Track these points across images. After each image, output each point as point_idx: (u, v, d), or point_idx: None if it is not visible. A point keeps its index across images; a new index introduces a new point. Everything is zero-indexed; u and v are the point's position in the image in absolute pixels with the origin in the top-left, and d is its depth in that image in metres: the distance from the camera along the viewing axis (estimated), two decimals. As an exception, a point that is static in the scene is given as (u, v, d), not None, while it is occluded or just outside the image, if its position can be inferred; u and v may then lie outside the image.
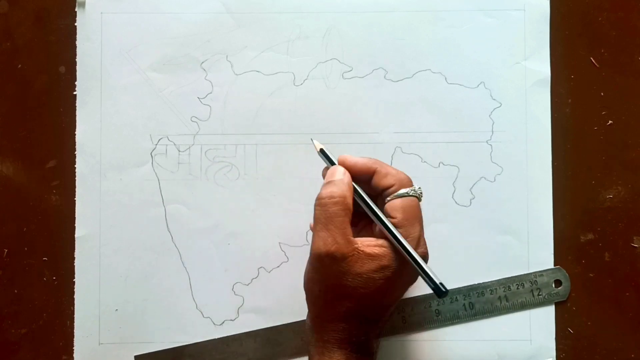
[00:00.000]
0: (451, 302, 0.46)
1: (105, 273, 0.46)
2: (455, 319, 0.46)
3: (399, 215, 0.38)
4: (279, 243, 0.46)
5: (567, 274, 0.46)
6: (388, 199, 0.39)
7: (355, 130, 0.46)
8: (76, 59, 0.46)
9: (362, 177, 0.40)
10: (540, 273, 0.46)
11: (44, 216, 0.46)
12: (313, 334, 0.40)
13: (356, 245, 0.38)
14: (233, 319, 0.46)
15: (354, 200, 0.39)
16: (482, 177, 0.46)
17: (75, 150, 0.46)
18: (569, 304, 0.46)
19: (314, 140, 0.42)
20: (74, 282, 0.46)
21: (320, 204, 0.39)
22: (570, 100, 0.47)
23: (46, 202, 0.46)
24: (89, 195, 0.46)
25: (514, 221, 0.46)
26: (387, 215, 0.38)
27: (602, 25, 0.47)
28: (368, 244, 0.38)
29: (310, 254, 0.39)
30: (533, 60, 0.47)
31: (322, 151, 0.41)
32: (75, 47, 0.46)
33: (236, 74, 0.47)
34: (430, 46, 0.47)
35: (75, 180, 0.46)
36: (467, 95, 0.47)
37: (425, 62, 0.47)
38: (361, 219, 0.41)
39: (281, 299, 0.46)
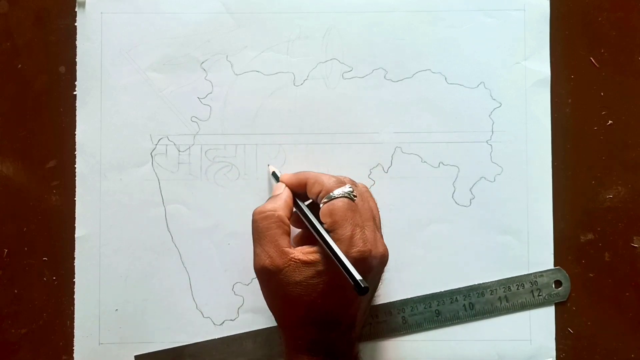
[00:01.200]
0: (451, 302, 0.46)
1: (105, 273, 0.46)
2: (455, 319, 0.46)
3: (328, 220, 0.38)
4: (279, 243, 0.46)
5: (567, 275, 0.46)
6: (321, 205, 0.39)
7: (355, 130, 0.46)
8: (76, 59, 0.46)
9: (301, 191, 0.41)
10: (541, 273, 0.46)
11: (44, 216, 0.46)
12: (284, 346, 0.41)
13: (291, 256, 0.38)
14: (233, 319, 0.46)
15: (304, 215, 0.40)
16: (482, 177, 0.46)
17: (75, 150, 0.46)
18: (569, 304, 0.46)
19: (269, 165, 0.45)
20: (74, 282, 0.46)
21: (253, 220, 0.40)
22: (570, 100, 0.47)
23: (46, 202, 0.46)
24: (89, 195, 0.46)
25: (514, 221, 0.46)
26: (321, 222, 0.39)
27: (602, 25, 0.47)
28: (306, 252, 0.38)
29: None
30: (533, 60, 0.47)
31: (273, 174, 0.45)
32: (75, 47, 0.46)
33: (236, 74, 0.47)
34: (430, 46, 0.47)
35: (75, 180, 0.46)
36: (467, 95, 0.47)
37: (425, 62, 0.47)
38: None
39: (281, 299, 0.46)
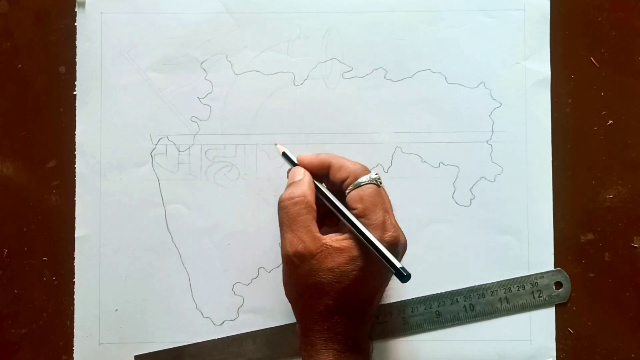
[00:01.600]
0: (452, 303, 0.46)
1: (105, 273, 0.46)
2: (455, 320, 0.46)
3: (359, 206, 0.38)
4: (279, 243, 0.46)
5: (567, 276, 0.46)
6: (347, 191, 0.39)
7: (355, 130, 0.46)
8: (76, 59, 0.46)
9: (322, 174, 0.41)
10: (541, 275, 0.46)
11: (44, 216, 0.46)
12: (301, 338, 0.40)
13: (324, 241, 0.38)
14: (233, 319, 0.46)
15: (320, 201, 0.40)
16: (482, 177, 0.46)
17: (75, 150, 0.46)
18: (569, 304, 0.46)
19: (277, 145, 0.43)
20: (74, 282, 0.46)
21: (282, 206, 0.39)
22: (570, 100, 0.47)
23: (46, 202, 0.46)
24: (89, 195, 0.46)
25: (514, 221, 0.46)
26: (349, 208, 0.39)
27: (602, 25, 0.47)
28: (336, 239, 0.38)
29: (281, 258, 0.39)
30: (533, 60, 0.47)
31: (284, 154, 0.42)
32: (75, 47, 0.46)
33: (236, 74, 0.47)
34: (430, 46, 0.47)
35: (75, 180, 0.46)
36: (467, 95, 0.47)
37: (425, 62, 0.47)
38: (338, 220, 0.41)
39: (281, 299, 0.46)
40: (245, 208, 0.46)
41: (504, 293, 0.46)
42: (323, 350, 0.38)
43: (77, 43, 0.46)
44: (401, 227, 0.39)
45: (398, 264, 0.36)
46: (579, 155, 0.47)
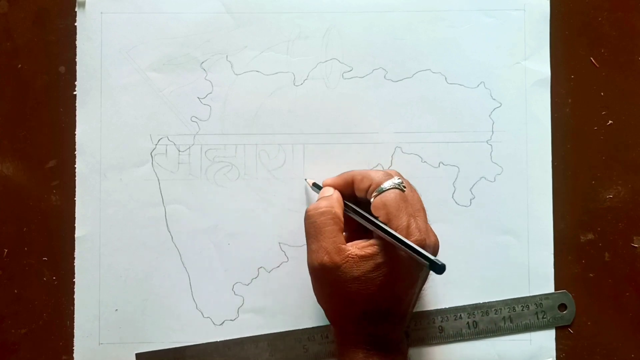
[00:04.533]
0: (455, 319, 0.45)
1: (105, 273, 0.46)
2: (458, 336, 0.45)
3: (382, 212, 0.38)
4: (279, 243, 0.46)
5: (572, 299, 0.46)
6: (371, 199, 0.39)
7: (355, 130, 0.46)
8: (76, 59, 0.46)
9: (349, 191, 0.41)
10: (546, 296, 0.46)
11: (44, 216, 0.46)
12: (337, 345, 0.41)
13: (348, 252, 0.38)
14: (233, 319, 0.46)
15: (350, 217, 0.40)
16: (482, 177, 0.46)
17: (75, 150, 0.46)
18: (569, 304, 0.46)
19: (306, 180, 0.45)
20: (74, 282, 0.46)
21: (308, 216, 0.40)
22: (570, 100, 0.47)
23: (46, 202, 0.46)
24: (89, 195, 0.46)
25: (514, 221, 0.46)
26: (374, 216, 0.39)
27: (602, 25, 0.47)
28: (361, 246, 0.38)
29: (308, 269, 0.40)
30: (533, 60, 0.47)
31: (314, 184, 0.44)
32: (75, 47, 0.46)
33: (236, 74, 0.47)
34: (430, 46, 0.47)
35: (75, 180, 0.46)
36: (467, 95, 0.47)
37: (425, 62, 0.47)
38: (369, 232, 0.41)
39: (281, 299, 0.46)
40: (245, 208, 0.46)
41: (508, 312, 0.45)
42: (356, 350, 0.39)
43: (77, 43, 0.46)
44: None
45: (431, 256, 0.36)
46: (579, 155, 0.47)
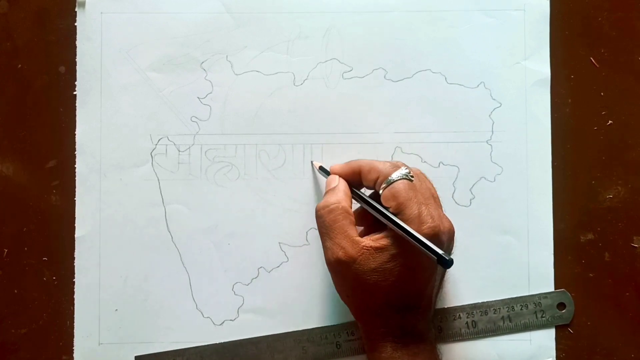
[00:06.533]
0: (454, 319, 0.45)
1: (105, 273, 0.46)
2: (457, 336, 0.45)
3: (392, 203, 0.38)
4: (279, 243, 0.46)
5: (571, 298, 0.46)
6: (380, 191, 0.39)
7: (355, 130, 0.46)
8: (76, 59, 0.46)
9: (356, 181, 0.41)
10: (545, 295, 0.46)
11: (44, 216, 0.46)
12: (364, 340, 0.41)
13: (363, 244, 0.38)
14: (233, 319, 0.46)
15: (365, 212, 0.40)
16: (482, 177, 0.46)
17: (75, 150, 0.46)
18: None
19: (312, 162, 0.45)
20: (74, 282, 0.46)
21: (318, 215, 0.40)
22: (570, 100, 0.47)
23: (46, 202, 0.46)
24: (88, 195, 0.46)
25: (514, 221, 0.46)
26: (385, 207, 0.39)
27: (602, 25, 0.47)
28: (375, 238, 0.39)
29: (326, 266, 0.40)
30: (533, 60, 0.47)
31: (320, 168, 0.44)
32: (75, 47, 0.46)
33: (236, 74, 0.47)
34: (430, 46, 0.47)
35: (75, 180, 0.46)
36: (467, 95, 0.47)
37: (425, 62, 0.47)
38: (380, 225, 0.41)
39: (281, 299, 0.46)
40: (245, 208, 0.46)
41: (507, 312, 0.45)
42: (382, 343, 0.39)
43: (77, 43, 0.46)
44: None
45: (438, 250, 0.36)
46: (579, 155, 0.47)
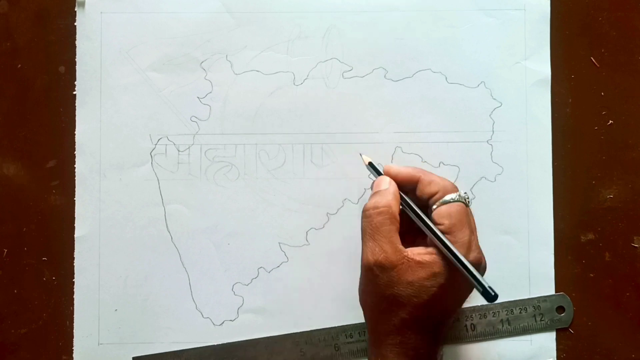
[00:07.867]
0: (453, 322, 0.45)
1: (104, 273, 0.46)
2: (456, 339, 0.45)
3: (446, 222, 0.38)
4: (279, 243, 0.46)
5: (570, 301, 0.46)
6: (434, 206, 0.39)
7: (355, 130, 0.46)
8: (76, 59, 0.46)
9: (407, 187, 0.41)
10: (544, 298, 0.45)
11: (44, 216, 0.46)
12: (372, 348, 0.40)
13: (405, 254, 0.38)
14: (233, 319, 0.46)
15: (405, 215, 0.40)
16: (482, 177, 0.46)
17: (75, 150, 0.46)
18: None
19: (362, 155, 0.43)
20: (74, 282, 0.46)
21: (366, 215, 0.39)
22: (570, 100, 0.47)
23: (46, 202, 0.46)
24: (88, 195, 0.46)
25: (514, 221, 0.46)
26: (435, 223, 0.38)
27: (602, 25, 0.47)
28: (418, 252, 0.38)
29: (361, 266, 0.39)
30: (533, 60, 0.47)
31: (370, 164, 0.42)
32: (75, 47, 0.46)
33: (236, 74, 0.47)
34: (430, 46, 0.47)
35: (75, 180, 0.46)
36: (468, 95, 0.47)
37: (425, 61, 0.47)
38: (418, 234, 0.40)
39: (281, 299, 0.46)
40: (245, 208, 0.46)
41: (506, 315, 0.45)
42: (384, 356, 0.38)
43: (77, 43, 0.46)
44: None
45: (486, 284, 0.36)
46: (579, 155, 0.47)
